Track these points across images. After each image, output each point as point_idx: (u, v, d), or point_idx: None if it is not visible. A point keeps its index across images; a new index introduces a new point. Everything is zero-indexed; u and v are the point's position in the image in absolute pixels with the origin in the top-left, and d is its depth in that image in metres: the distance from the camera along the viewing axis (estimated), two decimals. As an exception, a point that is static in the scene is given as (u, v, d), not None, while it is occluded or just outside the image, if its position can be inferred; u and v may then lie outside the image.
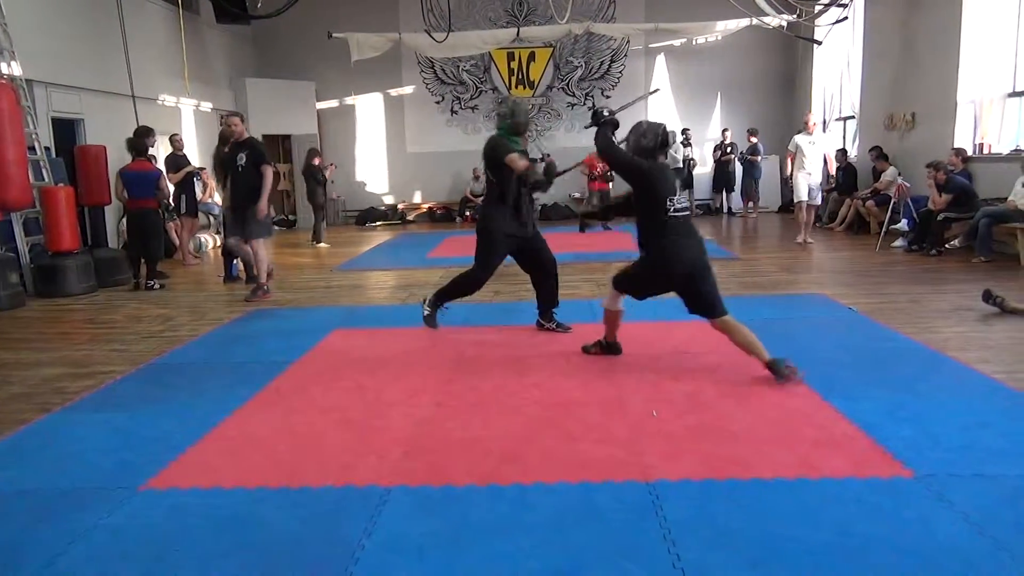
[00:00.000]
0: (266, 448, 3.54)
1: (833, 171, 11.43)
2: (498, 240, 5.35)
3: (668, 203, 4.31)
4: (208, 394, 4.38)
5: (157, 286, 8.28)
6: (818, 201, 10.45)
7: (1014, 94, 9.21)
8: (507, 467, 3.21)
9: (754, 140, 14.23)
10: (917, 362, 4.62)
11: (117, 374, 4.90)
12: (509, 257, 5.57)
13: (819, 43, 13.52)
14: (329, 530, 2.73)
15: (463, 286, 5.60)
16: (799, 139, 10.11)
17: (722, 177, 14.97)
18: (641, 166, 4.38)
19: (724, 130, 15.02)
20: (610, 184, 12.48)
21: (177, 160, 10.03)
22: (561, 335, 5.50)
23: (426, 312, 5.64)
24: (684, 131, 15.12)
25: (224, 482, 3.16)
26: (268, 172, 7.16)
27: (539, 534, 2.65)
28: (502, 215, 5.31)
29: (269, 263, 7.72)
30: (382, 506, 2.89)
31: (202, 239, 11.52)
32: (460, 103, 16.28)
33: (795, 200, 10.38)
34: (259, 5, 10.82)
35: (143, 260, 8.42)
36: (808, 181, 9.99)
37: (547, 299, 5.62)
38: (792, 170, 10.23)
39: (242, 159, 7.14)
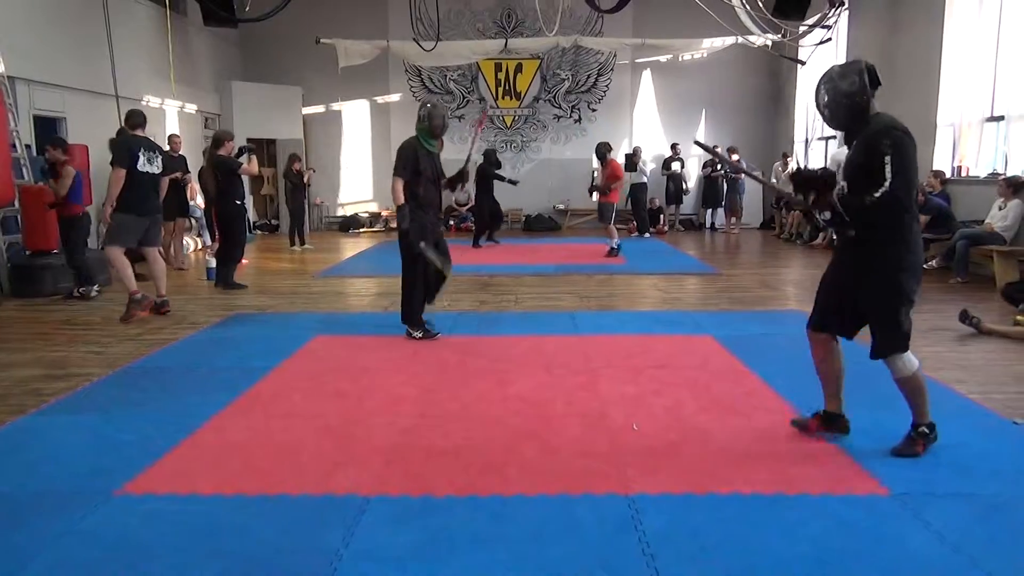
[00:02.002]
0: (245, 455, 3.50)
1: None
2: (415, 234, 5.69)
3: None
4: (186, 399, 4.33)
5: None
6: None
7: (992, 119, 9.38)
8: (487, 478, 3.21)
9: (735, 157, 14.39)
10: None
11: (94, 377, 4.83)
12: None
13: (803, 63, 13.69)
14: (307, 539, 2.71)
15: (408, 295, 5.82)
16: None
17: (710, 193, 15.11)
18: (904, 144, 3.17)
19: (714, 147, 15.14)
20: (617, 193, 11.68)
21: (167, 162, 9.93)
22: (554, 344, 5.51)
23: (417, 336, 5.79)
24: (673, 146, 15.26)
25: (201, 488, 3.13)
26: (113, 174, 6.70)
27: (518, 546, 2.65)
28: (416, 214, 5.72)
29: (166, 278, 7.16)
30: (361, 515, 2.87)
31: (184, 242, 11.42)
32: (447, 112, 16.28)
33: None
34: (247, 8, 10.78)
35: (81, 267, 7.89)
36: None
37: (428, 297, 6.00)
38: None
39: None
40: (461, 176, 6.19)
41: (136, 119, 6.94)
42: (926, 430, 3.41)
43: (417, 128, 5.79)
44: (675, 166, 15.05)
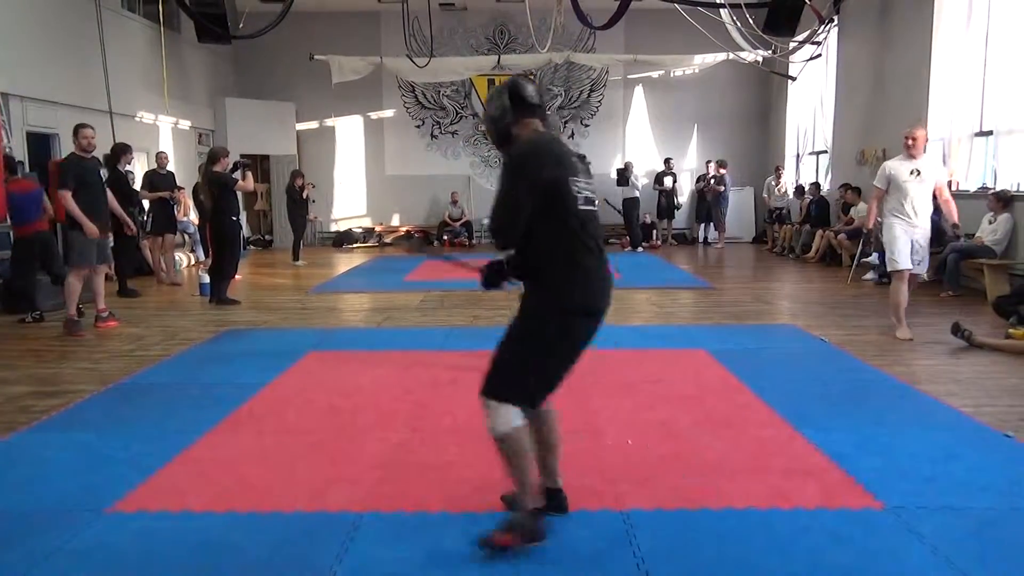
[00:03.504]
0: (237, 472, 3.49)
1: (954, 217, 6.30)
2: None
3: (578, 194, 2.67)
4: (179, 415, 4.32)
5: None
6: (923, 269, 6.31)
7: (981, 133, 9.46)
8: (481, 494, 3.19)
9: (723, 172, 14.50)
10: (887, 394, 4.68)
11: (85, 393, 4.81)
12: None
13: (793, 79, 13.82)
14: (300, 556, 2.69)
15: None
16: (894, 167, 6.16)
17: (704, 208, 15.17)
18: (516, 171, 2.64)
19: (708, 162, 15.19)
20: None
21: (154, 178, 9.97)
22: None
23: None
24: (666, 160, 15.33)
25: (193, 506, 3.11)
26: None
27: (513, 563, 2.63)
28: None
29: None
30: (354, 532, 2.86)
31: (177, 257, 11.40)
32: (440, 128, 16.38)
33: (888, 267, 6.46)
34: (241, 25, 10.83)
35: (38, 286, 7.67)
36: (912, 235, 6.07)
37: None
38: (875, 217, 6.58)
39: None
40: None
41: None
42: (521, 519, 2.65)
43: None
44: (667, 181, 15.12)
